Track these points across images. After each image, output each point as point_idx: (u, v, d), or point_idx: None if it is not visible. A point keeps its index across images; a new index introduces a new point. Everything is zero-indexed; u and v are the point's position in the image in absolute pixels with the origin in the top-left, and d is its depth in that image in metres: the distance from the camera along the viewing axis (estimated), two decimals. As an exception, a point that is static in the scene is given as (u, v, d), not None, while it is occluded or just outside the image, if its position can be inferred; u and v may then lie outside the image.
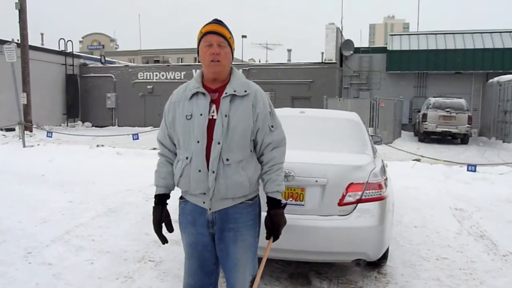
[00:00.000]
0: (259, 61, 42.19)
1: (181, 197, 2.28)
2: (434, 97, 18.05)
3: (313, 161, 3.34)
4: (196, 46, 2.23)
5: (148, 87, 23.92)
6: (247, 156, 2.17)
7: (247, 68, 22.27)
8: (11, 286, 3.29)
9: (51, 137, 12.32)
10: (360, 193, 3.22)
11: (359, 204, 3.21)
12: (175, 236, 2.46)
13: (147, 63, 27.22)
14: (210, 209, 2.15)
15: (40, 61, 21.23)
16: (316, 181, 3.21)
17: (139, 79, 24.30)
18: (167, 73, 23.99)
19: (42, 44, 31.53)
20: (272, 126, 2.23)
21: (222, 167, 2.09)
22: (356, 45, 22.98)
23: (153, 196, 2.29)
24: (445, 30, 23.00)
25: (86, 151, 10.53)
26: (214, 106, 2.13)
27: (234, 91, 2.14)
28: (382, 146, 6.18)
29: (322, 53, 23.96)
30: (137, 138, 11.13)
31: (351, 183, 3.22)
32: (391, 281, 3.62)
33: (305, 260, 3.49)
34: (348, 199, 3.21)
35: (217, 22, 2.19)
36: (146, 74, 24.28)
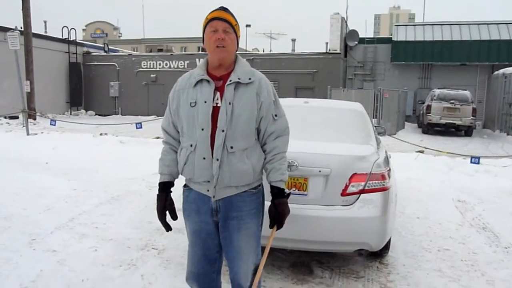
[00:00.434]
0: (263, 51, 41.94)
1: (185, 185, 2.28)
2: (438, 88, 17.95)
3: (316, 151, 3.34)
4: (201, 34, 2.21)
5: (152, 76, 23.87)
6: (252, 145, 2.17)
7: (251, 58, 22.15)
8: (16, 272, 3.32)
9: (54, 125, 12.35)
10: (363, 183, 3.22)
11: (362, 195, 3.21)
12: (178, 224, 2.47)
13: (151, 51, 27.16)
14: (214, 197, 2.15)
15: (44, 49, 21.21)
16: (320, 171, 3.21)
17: (143, 68, 24.24)
18: (170, 62, 23.91)
19: (45, 32, 31.44)
20: (275, 115, 2.22)
21: (226, 155, 2.09)
22: (361, 36, 22.79)
23: (157, 184, 2.30)
24: (451, 21, 22.78)
25: (90, 140, 10.56)
26: (218, 94, 2.12)
27: (239, 79, 2.13)
28: (386, 137, 6.16)
29: (327, 43, 23.79)
30: (141, 127, 11.14)
31: (355, 174, 3.22)
32: (393, 271, 3.63)
33: (307, 249, 3.50)
34: (351, 189, 3.21)
35: (223, 9, 2.18)
36: (150, 63, 24.21)
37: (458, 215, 5.34)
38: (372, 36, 31.29)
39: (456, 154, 9.33)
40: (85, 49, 25.34)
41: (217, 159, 2.08)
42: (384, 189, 3.27)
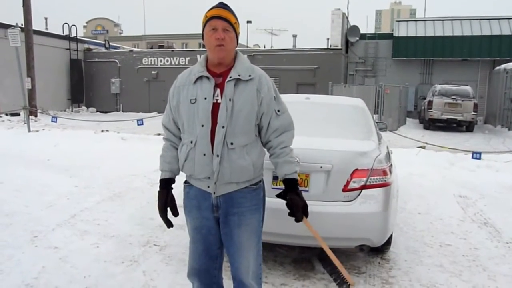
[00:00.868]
0: (264, 47, 41.90)
1: (185, 182, 2.28)
2: (440, 84, 17.91)
3: (318, 147, 3.33)
4: (201, 31, 2.21)
5: (153, 72, 23.86)
6: (252, 141, 2.17)
7: (252, 54, 22.11)
8: (18, 269, 3.33)
9: (56, 122, 12.35)
10: (364, 179, 3.21)
11: (363, 190, 3.21)
12: (180, 221, 2.47)
13: (152, 48, 27.12)
14: (214, 193, 2.15)
15: (45, 46, 21.21)
16: (321, 167, 3.21)
17: (144, 65, 24.24)
18: (171, 58, 23.89)
19: (46, 28, 31.32)
20: (278, 111, 2.22)
21: (227, 151, 2.09)
22: (362, 31, 22.73)
23: (158, 181, 2.30)
24: (452, 16, 22.71)
25: (91, 136, 10.55)
26: (218, 90, 2.12)
27: (239, 75, 2.12)
28: (387, 133, 6.16)
29: (328, 39, 23.75)
30: (142, 124, 11.15)
31: (356, 169, 3.22)
32: (394, 266, 3.64)
33: (309, 245, 3.50)
34: (352, 185, 3.21)
35: (222, 6, 2.17)
36: (151, 60, 24.19)
37: (460, 210, 5.34)
38: (373, 32, 31.16)
39: (458, 150, 9.32)
40: (86, 45, 25.33)
41: (217, 155, 2.08)
42: (385, 185, 3.27)
